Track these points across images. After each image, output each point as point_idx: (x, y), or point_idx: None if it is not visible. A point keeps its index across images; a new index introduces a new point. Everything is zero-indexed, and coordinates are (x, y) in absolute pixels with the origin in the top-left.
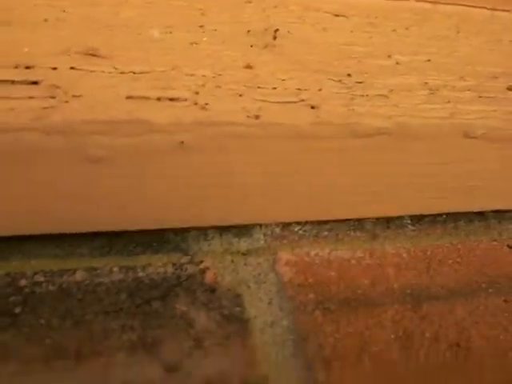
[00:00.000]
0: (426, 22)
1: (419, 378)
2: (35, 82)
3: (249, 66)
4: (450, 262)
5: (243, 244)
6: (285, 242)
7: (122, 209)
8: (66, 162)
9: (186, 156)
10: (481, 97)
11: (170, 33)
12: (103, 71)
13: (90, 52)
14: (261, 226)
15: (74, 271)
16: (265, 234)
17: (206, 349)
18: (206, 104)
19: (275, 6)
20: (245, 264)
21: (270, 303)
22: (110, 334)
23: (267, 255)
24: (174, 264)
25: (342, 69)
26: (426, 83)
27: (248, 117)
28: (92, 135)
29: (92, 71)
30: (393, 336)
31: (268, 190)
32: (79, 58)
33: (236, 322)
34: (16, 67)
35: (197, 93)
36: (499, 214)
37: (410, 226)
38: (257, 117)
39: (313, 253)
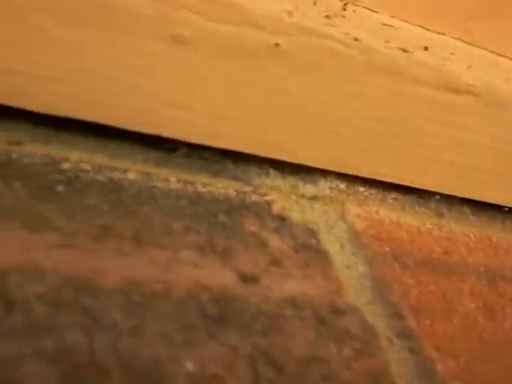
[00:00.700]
0: None
1: (509, 346)
2: None
3: None
4: None
5: (308, 189)
6: (351, 197)
7: (187, 110)
8: (148, 33)
9: (275, 60)
10: None
11: None
12: None
13: None
14: (325, 178)
15: (125, 171)
16: (330, 187)
17: (286, 268)
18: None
19: None
20: (311, 208)
21: (342, 248)
22: (171, 231)
23: (335, 205)
24: (236, 190)
25: None
26: None
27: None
28: (183, 10)
29: None
30: (473, 305)
31: (346, 128)
32: None
33: (313, 252)
34: None
35: None
36: None
37: (470, 216)
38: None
39: (381, 212)
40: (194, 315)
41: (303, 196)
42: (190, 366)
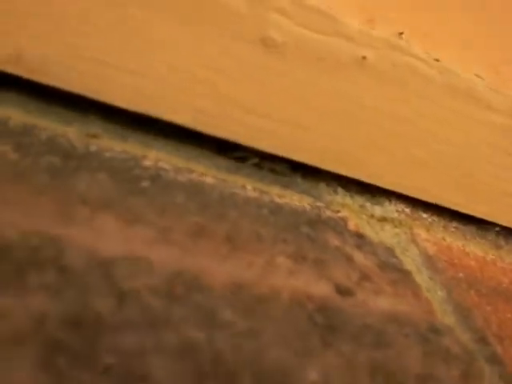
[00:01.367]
0: None
1: None
2: None
3: None
4: None
5: (377, 210)
6: (417, 222)
7: (266, 117)
8: (238, 33)
9: (362, 73)
10: None
11: None
12: None
13: None
14: (390, 200)
15: (202, 174)
16: (397, 210)
17: (377, 284)
18: None
19: None
20: (382, 229)
21: (418, 270)
22: (261, 238)
23: (404, 228)
24: (309, 204)
25: None
26: None
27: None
28: (276, 13)
29: None
30: None
31: (420, 152)
32: None
33: (397, 271)
34: None
35: None
36: None
37: None
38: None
39: (447, 239)
40: (305, 322)
41: (372, 216)
42: (314, 374)
